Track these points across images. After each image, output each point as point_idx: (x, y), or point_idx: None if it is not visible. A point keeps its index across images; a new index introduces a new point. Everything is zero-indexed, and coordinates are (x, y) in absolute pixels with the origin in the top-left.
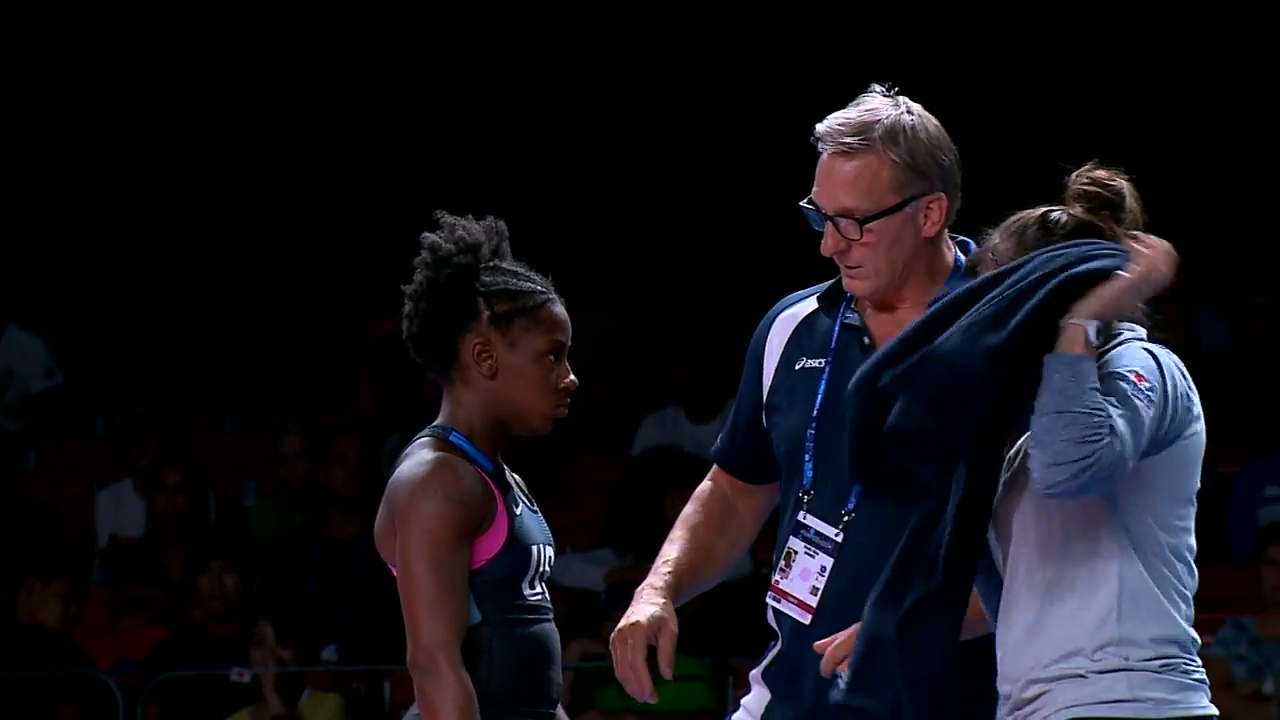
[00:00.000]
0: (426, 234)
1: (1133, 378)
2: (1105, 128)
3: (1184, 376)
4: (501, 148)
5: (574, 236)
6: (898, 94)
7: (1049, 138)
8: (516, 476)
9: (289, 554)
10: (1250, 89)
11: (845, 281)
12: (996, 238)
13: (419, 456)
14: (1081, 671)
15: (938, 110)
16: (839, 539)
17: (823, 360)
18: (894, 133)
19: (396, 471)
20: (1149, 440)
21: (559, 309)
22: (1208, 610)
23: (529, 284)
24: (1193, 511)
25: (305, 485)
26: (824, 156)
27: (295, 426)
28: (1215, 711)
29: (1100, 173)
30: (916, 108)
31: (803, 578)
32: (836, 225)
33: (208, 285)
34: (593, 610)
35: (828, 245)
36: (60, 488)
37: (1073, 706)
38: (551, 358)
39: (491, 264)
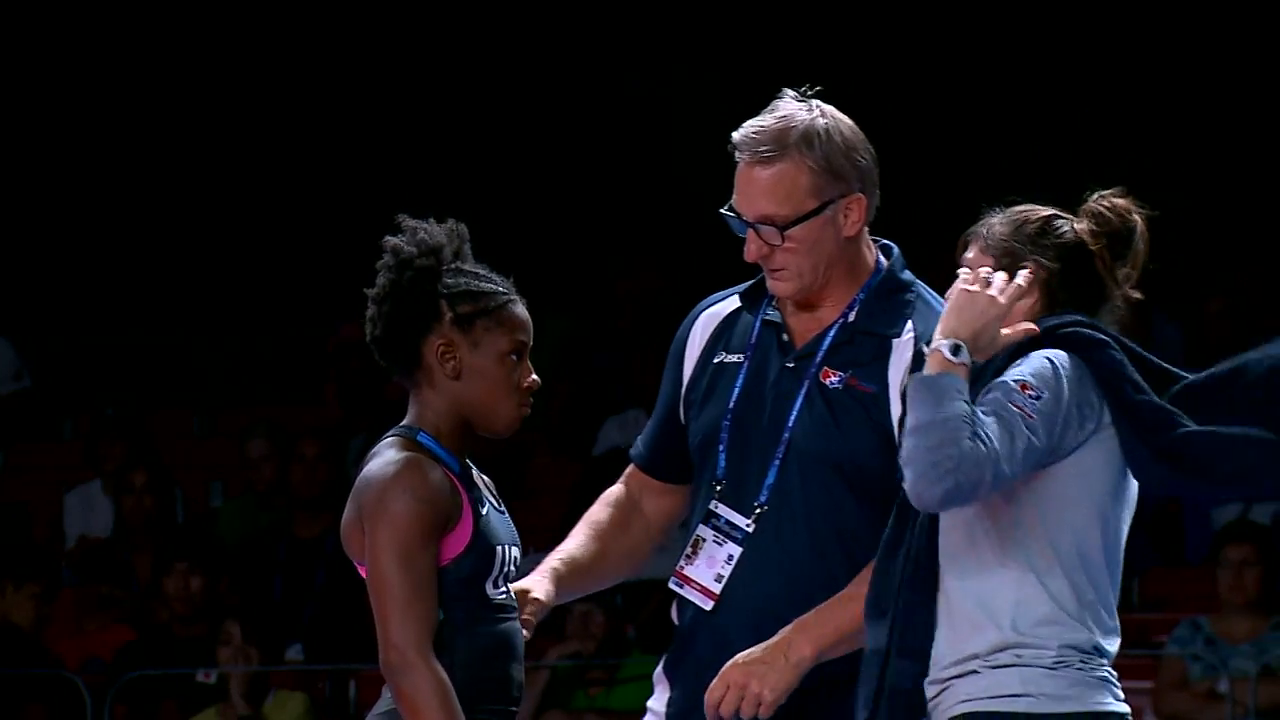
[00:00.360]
0: (388, 237)
1: (1017, 387)
2: (1063, 136)
3: (1093, 391)
4: (466, 154)
5: (537, 241)
6: (811, 97)
7: (1007, 145)
8: (486, 477)
9: (255, 554)
10: (1206, 96)
11: (769, 284)
12: (995, 219)
13: (387, 456)
14: (975, 668)
15: (886, 119)
16: (750, 529)
17: (742, 356)
18: (809, 138)
19: (364, 470)
20: (1044, 445)
21: (520, 309)
22: (1163, 610)
23: (490, 285)
24: (1110, 517)
25: (272, 487)
26: (741, 164)
27: (261, 429)
28: (1116, 709)
29: (1121, 201)
30: (830, 110)
31: (709, 565)
32: (758, 231)
33: (175, 291)
34: (559, 610)
35: (750, 251)
36: (29, 489)
37: (966, 701)
38: (514, 357)
39: (453, 266)
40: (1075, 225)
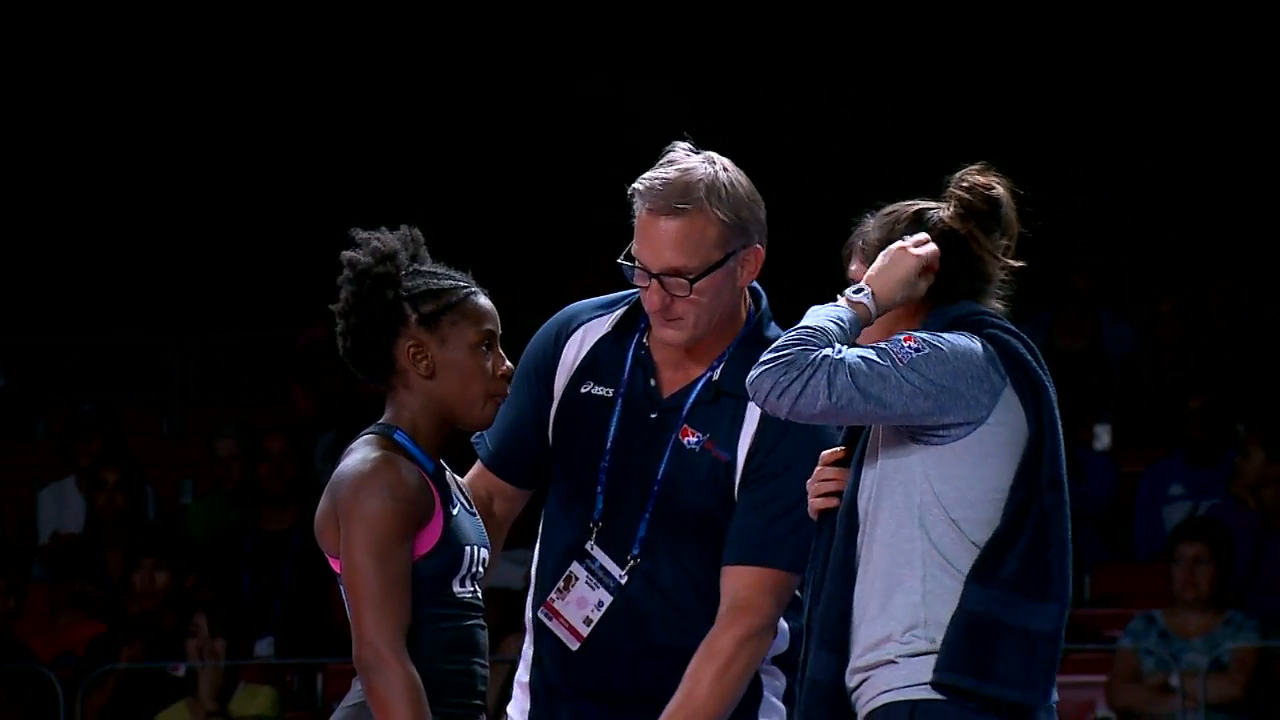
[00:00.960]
0: (345, 252)
1: (901, 339)
2: (1017, 135)
3: (993, 369)
4: (427, 157)
5: (505, 241)
6: (701, 149)
7: (967, 147)
8: (458, 477)
9: (224, 550)
10: (1155, 98)
11: (660, 331)
12: (868, 226)
13: (363, 454)
14: (892, 656)
15: (852, 128)
16: (623, 580)
17: (612, 390)
18: (715, 189)
19: (340, 467)
20: (915, 389)
21: (483, 300)
22: (1113, 605)
23: (450, 281)
24: (1000, 503)
25: (240, 485)
26: (645, 214)
27: (229, 429)
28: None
29: (979, 178)
30: (727, 162)
31: (579, 605)
32: (663, 283)
33: (146, 294)
34: (520, 606)
35: (654, 302)
36: (2, 487)
37: (886, 691)
38: (484, 348)
39: (411, 269)
40: (942, 213)
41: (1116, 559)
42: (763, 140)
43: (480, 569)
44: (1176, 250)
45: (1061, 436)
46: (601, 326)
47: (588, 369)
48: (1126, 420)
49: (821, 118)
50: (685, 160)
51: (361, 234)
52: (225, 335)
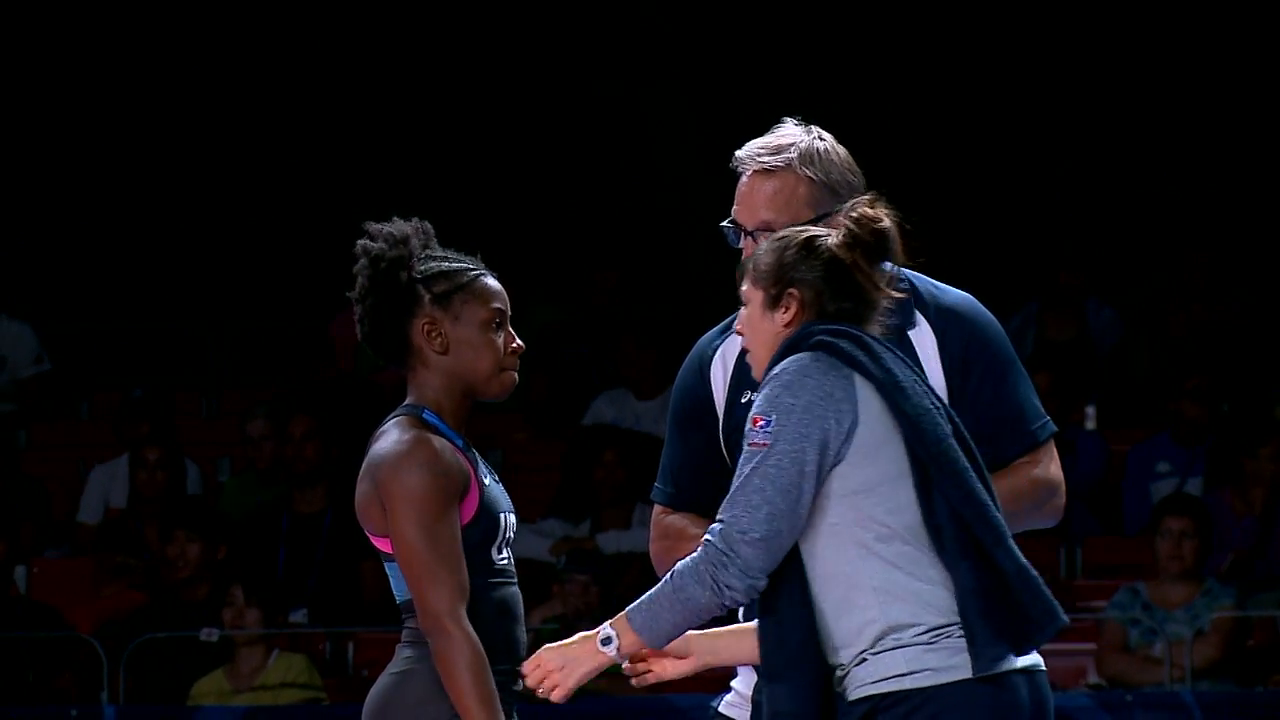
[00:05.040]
0: (359, 241)
1: (750, 424)
2: (1005, 131)
3: (834, 371)
4: (451, 155)
5: (522, 235)
6: (810, 125)
7: (962, 150)
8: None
9: (260, 524)
10: (1140, 85)
11: None
12: (761, 249)
13: (396, 435)
14: (864, 655)
15: (853, 128)
16: None
17: None
18: (809, 154)
19: (374, 449)
20: (798, 457)
21: (492, 281)
22: (1103, 578)
23: (460, 263)
24: (908, 486)
25: (273, 464)
26: (744, 178)
27: (260, 409)
28: (1006, 667)
29: (868, 210)
30: (828, 136)
31: None
32: (755, 240)
33: (185, 281)
34: (545, 578)
35: None
36: (49, 465)
37: (860, 687)
38: (495, 325)
39: (423, 255)
40: (830, 240)
41: (1106, 533)
42: None
43: (511, 534)
44: (1158, 241)
45: (914, 387)
46: (736, 344)
47: (739, 383)
48: (1114, 402)
49: (827, 119)
50: (785, 129)
51: (374, 225)
52: (260, 322)
